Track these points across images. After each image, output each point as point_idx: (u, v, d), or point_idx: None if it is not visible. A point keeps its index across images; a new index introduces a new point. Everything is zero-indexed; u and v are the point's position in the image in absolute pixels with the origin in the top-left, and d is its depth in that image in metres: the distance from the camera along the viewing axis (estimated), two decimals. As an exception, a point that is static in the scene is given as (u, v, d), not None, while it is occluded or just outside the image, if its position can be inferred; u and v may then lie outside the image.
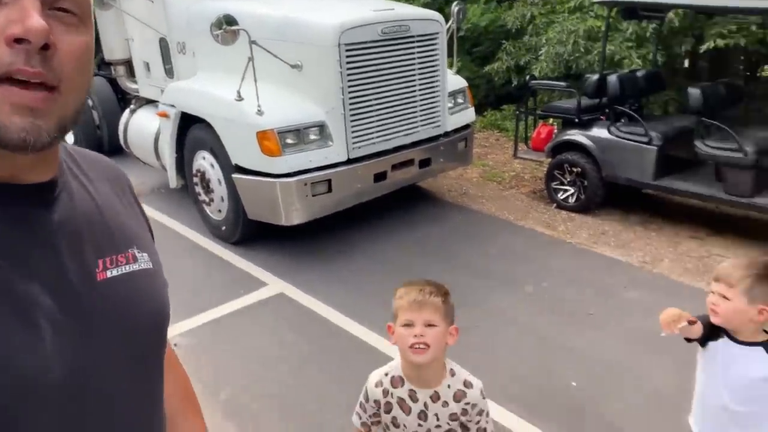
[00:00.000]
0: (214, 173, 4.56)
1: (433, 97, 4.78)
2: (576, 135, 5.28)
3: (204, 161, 4.62)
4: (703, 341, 1.71)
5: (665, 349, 2.98)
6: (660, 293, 3.91)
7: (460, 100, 5.21)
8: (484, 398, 1.59)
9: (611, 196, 5.27)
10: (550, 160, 5.56)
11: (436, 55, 4.70)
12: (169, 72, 5.13)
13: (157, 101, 5.30)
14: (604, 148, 5.09)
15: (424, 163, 4.86)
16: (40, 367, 0.61)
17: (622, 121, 5.21)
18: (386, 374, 1.62)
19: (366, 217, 5.04)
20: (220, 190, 4.56)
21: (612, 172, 5.07)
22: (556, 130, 5.76)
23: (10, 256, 0.62)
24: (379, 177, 4.55)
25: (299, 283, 4.09)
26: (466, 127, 5.28)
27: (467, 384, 1.58)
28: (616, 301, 3.84)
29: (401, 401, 1.57)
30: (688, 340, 1.72)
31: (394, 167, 4.63)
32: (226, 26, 3.73)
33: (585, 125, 5.29)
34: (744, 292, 1.60)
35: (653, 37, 6.37)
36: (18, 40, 0.55)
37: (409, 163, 4.73)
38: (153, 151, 5.35)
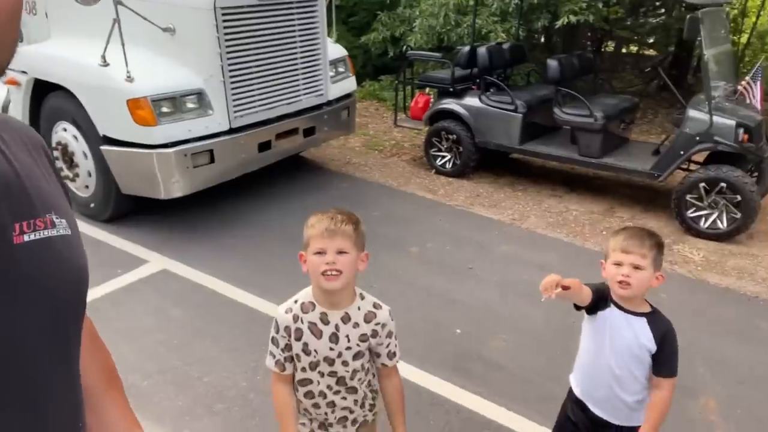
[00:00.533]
0: (78, 146, 4.20)
1: (315, 65, 4.77)
2: (451, 104, 5.57)
3: (65, 133, 4.23)
4: (591, 310, 1.76)
5: (537, 295, 3.34)
6: (528, 246, 4.33)
7: (341, 69, 5.25)
8: (392, 320, 1.68)
9: (484, 160, 5.66)
10: (428, 128, 5.82)
11: (316, 22, 4.67)
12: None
13: (3, 67, 4.72)
14: (477, 116, 5.44)
15: (309, 132, 4.87)
16: None
17: (491, 90, 5.58)
18: (296, 301, 1.65)
19: (251, 188, 4.95)
20: (86, 164, 4.22)
21: (483, 138, 5.44)
22: (432, 100, 6.02)
23: None
24: (264, 147, 4.48)
25: (183, 257, 3.94)
26: (349, 96, 5.35)
27: (377, 306, 1.66)
28: (492, 255, 4.19)
29: (312, 325, 1.59)
30: (577, 308, 1.78)
31: (279, 136, 4.58)
32: (88, -17, 3.41)
33: (459, 94, 5.60)
34: (652, 260, 1.67)
35: (516, 13, 6.85)
36: None
37: (293, 132, 4.71)
38: (1, 124, 4.77)
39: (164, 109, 3.88)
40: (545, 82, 5.56)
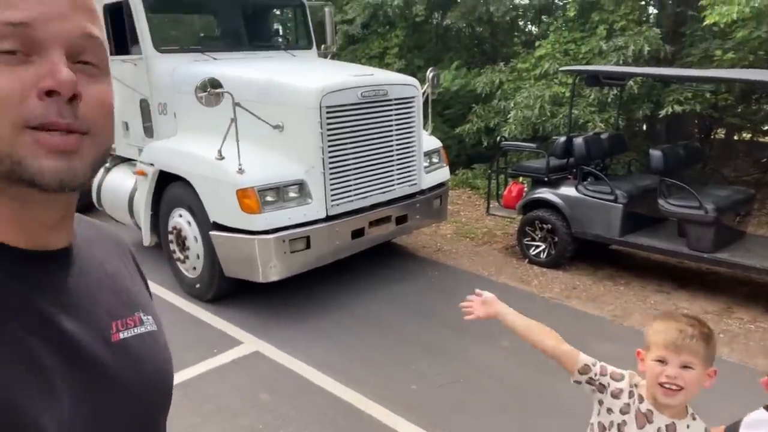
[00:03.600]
0: (191, 230, 4.56)
1: (410, 157, 4.95)
2: (546, 193, 5.48)
3: (180, 219, 4.63)
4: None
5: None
6: (632, 346, 3.98)
7: (435, 160, 5.40)
8: None
9: (580, 251, 5.43)
10: (521, 216, 5.74)
11: (412, 117, 4.90)
12: (148, 131, 5.20)
13: (133, 160, 5.34)
14: (573, 206, 5.30)
15: (401, 219, 4.97)
16: (58, 430, 0.62)
17: (589, 180, 5.45)
18: (636, 385, 1.54)
19: (343, 273, 5.07)
20: (196, 247, 4.55)
21: (581, 228, 5.25)
22: (526, 189, 5.97)
23: (30, 321, 0.64)
24: (357, 234, 4.62)
25: (275, 340, 4.04)
26: (441, 185, 5.45)
27: None
28: (590, 352, 3.89)
29: (640, 414, 1.48)
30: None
31: (372, 224, 4.71)
32: (211, 89, 3.85)
33: (554, 184, 5.52)
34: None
35: (615, 103, 6.78)
36: (49, 93, 0.60)
37: (386, 219, 4.83)
38: (127, 209, 5.33)
39: (268, 198, 4.15)
40: (648, 172, 5.35)
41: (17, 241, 0.66)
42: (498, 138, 6.93)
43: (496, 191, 6.21)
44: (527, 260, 5.59)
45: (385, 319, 4.37)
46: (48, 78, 0.60)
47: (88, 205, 6.12)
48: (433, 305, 4.61)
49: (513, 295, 4.84)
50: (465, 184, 8.57)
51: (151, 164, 4.79)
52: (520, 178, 6.48)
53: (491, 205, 6.18)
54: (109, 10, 5.20)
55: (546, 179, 5.55)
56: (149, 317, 0.82)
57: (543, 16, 9.26)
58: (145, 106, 5.18)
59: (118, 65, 5.23)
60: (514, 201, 5.95)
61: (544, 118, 7.17)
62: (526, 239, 5.62)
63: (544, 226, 5.45)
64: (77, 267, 0.73)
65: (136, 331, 0.77)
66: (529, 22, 10.64)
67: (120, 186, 5.46)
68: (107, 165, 5.90)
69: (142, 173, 4.88)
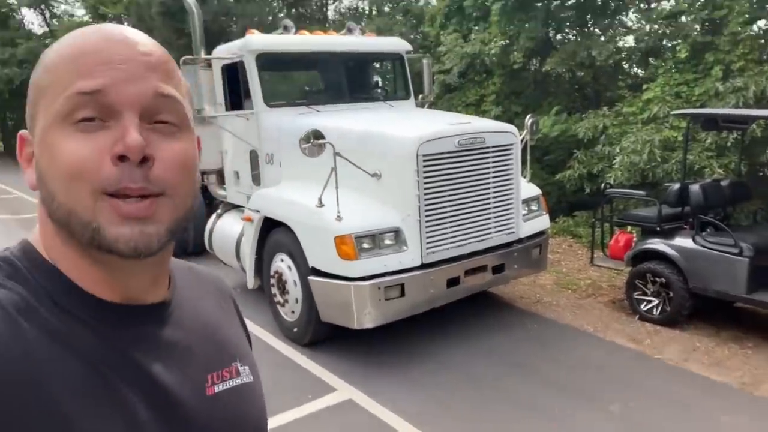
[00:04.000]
0: (291, 275, 4.71)
1: (508, 204, 4.83)
2: (658, 244, 5.09)
3: (282, 263, 4.80)
4: None
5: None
6: (763, 420, 3.51)
7: (534, 207, 5.23)
8: None
9: (700, 308, 4.94)
10: (630, 269, 5.35)
11: (510, 164, 4.81)
12: (256, 180, 5.52)
13: (242, 207, 5.67)
14: (690, 259, 4.86)
15: (498, 269, 4.82)
16: None
17: (708, 230, 5.00)
18: None
19: (437, 322, 4.97)
20: (295, 291, 4.68)
21: (700, 283, 4.79)
22: (635, 238, 5.59)
23: (127, 374, 0.65)
24: (452, 282, 4.53)
25: (369, 389, 4.00)
26: (541, 233, 5.25)
27: None
28: (715, 427, 3.47)
29: None
30: None
31: (468, 273, 4.61)
32: (314, 140, 4.03)
33: (667, 234, 5.12)
34: None
35: (736, 147, 6.26)
36: (121, 158, 0.61)
37: (482, 268, 4.71)
38: (234, 253, 5.63)
39: (365, 245, 4.21)
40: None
41: (113, 297, 0.68)
42: (602, 184, 6.59)
43: (601, 240, 5.87)
44: (638, 316, 5.17)
45: (480, 372, 4.19)
46: (119, 143, 0.61)
47: (200, 250, 6.58)
48: (532, 360, 4.37)
49: (622, 356, 4.47)
50: (566, 232, 8.20)
51: (257, 211, 5.05)
52: (628, 227, 6.09)
53: (596, 255, 5.84)
54: (226, 69, 5.69)
55: (658, 229, 5.16)
56: (246, 368, 0.81)
57: (650, 59, 8.87)
58: (254, 156, 5.52)
59: (232, 119, 5.66)
60: (621, 251, 5.58)
61: (653, 164, 6.74)
62: (637, 293, 5.22)
63: (657, 279, 5.04)
64: (174, 319, 0.74)
65: (231, 383, 0.77)
66: (634, 65, 10.24)
67: (229, 231, 5.80)
68: (218, 211, 6.33)
69: (249, 219, 5.16)
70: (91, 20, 16.64)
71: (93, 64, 0.63)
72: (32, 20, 33.68)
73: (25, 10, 22.48)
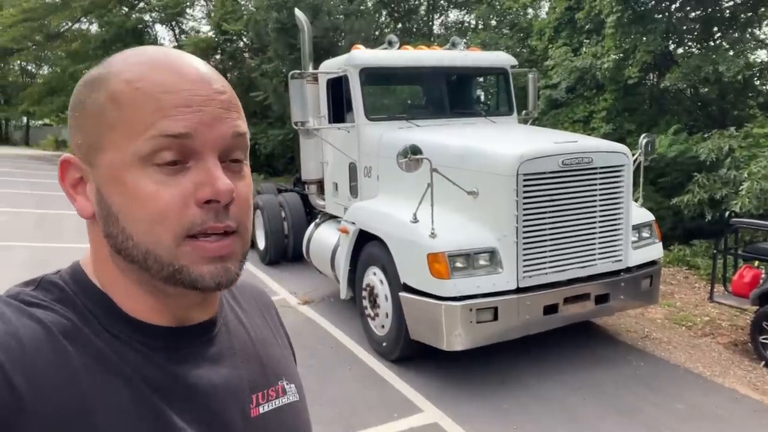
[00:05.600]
0: (383, 289, 4.69)
1: (615, 230, 4.50)
2: (792, 283, 4.50)
3: (374, 277, 4.80)
4: None
5: None
6: None
7: (645, 234, 4.84)
8: None
9: None
10: (756, 308, 4.78)
11: (620, 187, 4.48)
12: (354, 192, 5.60)
13: (340, 217, 5.77)
14: (832, 303, 4.24)
15: (602, 299, 4.49)
16: None
17: None
18: None
19: (532, 350, 4.71)
20: (386, 306, 4.66)
21: None
22: (763, 276, 4.99)
23: (172, 395, 0.65)
24: (550, 309, 4.28)
25: (456, 414, 3.86)
26: (653, 263, 4.83)
27: None
28: None
29: None
30: None
31: (567, 300, 4.33)
32: (412, 155, 4.00)
33: (804, 273, 4.51)
34: None
35: None
36: (207, 201, 0.62)
37: (584, 297, 4.40)
38: (329, 262, 5.73)
39: (458, 264, 4.09)
40: None
41: (162, 321, 0.69)
42: (726, 212, 5.97)
43: (723, 274, 5.29)
44: (763, 363, 4.59)
45: (576, 410, 3.90)
46: (206, 187, 0.62)
47: (298, 256, 6.82)
48: (637, 402, 4.00)
49: (743, 406, 3.97)
50: (681, 262, 7.52)
51: (353, 223, 5.10)
52: (756, 262, 5.44)
53: (716, 291, 5.27)
54: (331, 83, 5.84)
55: (792, 266, 4.57)
56: (292, 386, 0.80)
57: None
58: (353, 169, 5.61)
59: (334, 132, 5.79)
60: (746, 288, 4.99)
61: (788, 192, 6.01)
62: (763, 337, 4.64)
63: (790, 323, 4.44)
64: (220, 338, 0.74)
65: (276, 403, 0.77)
66: (767, 82, 9.27)
67: (326, 241, 5.92)
68: (317, 220, 6.50)
69: (345, 231, 5.22)
70: (214, 36, 17.88)
71: (174, 105, 0.62)
72: (164, 35, 37.03)
73: (158, 27, 24.71)
